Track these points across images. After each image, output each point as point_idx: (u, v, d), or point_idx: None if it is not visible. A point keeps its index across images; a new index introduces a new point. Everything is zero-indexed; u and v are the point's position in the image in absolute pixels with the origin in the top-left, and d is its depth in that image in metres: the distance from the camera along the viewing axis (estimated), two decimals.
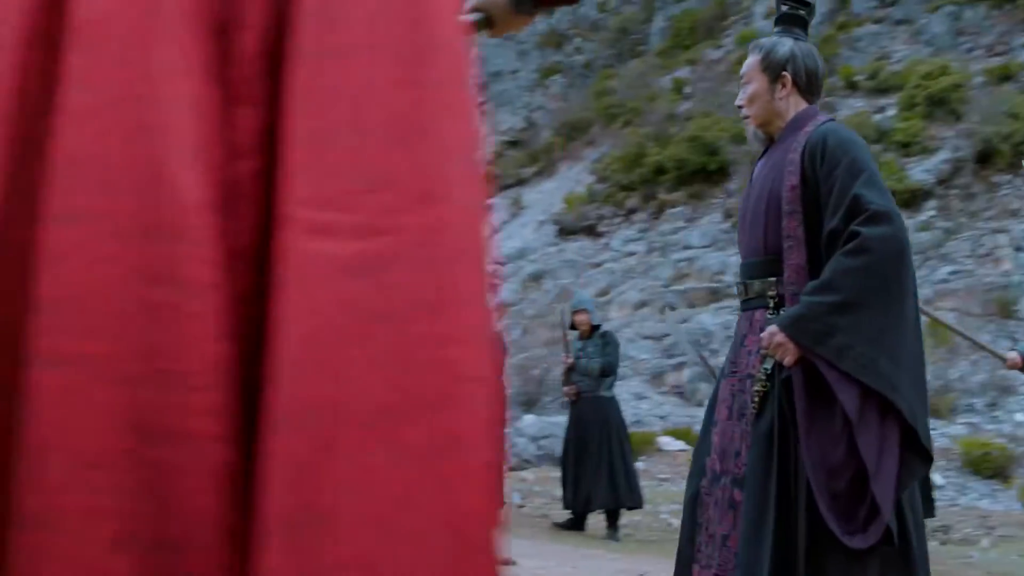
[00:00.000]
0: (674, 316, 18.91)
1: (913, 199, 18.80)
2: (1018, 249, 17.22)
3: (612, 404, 8.61)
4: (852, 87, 22.55)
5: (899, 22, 23.65)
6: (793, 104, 3.17)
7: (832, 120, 3.16)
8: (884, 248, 2.77)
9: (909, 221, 18.82)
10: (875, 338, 2.76)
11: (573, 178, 27.16)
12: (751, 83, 3.19)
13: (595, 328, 8.69)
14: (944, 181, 18.75)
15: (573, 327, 8.78)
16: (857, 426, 2.73)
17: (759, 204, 3.10)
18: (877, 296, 2.79)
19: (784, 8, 3.23)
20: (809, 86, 3.16)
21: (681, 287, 19.70)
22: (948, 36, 22.49)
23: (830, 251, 2.86)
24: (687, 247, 20.70)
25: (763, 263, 3.06)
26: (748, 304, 3.12)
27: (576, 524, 8.54)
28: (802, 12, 3.24)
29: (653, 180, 22.67)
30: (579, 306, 8.78)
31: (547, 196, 26.02)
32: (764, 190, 3.10)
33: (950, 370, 15.68)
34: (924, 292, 17.82)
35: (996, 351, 6.23)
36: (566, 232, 23.56)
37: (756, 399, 2.95)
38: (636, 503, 8.45)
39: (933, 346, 14.70)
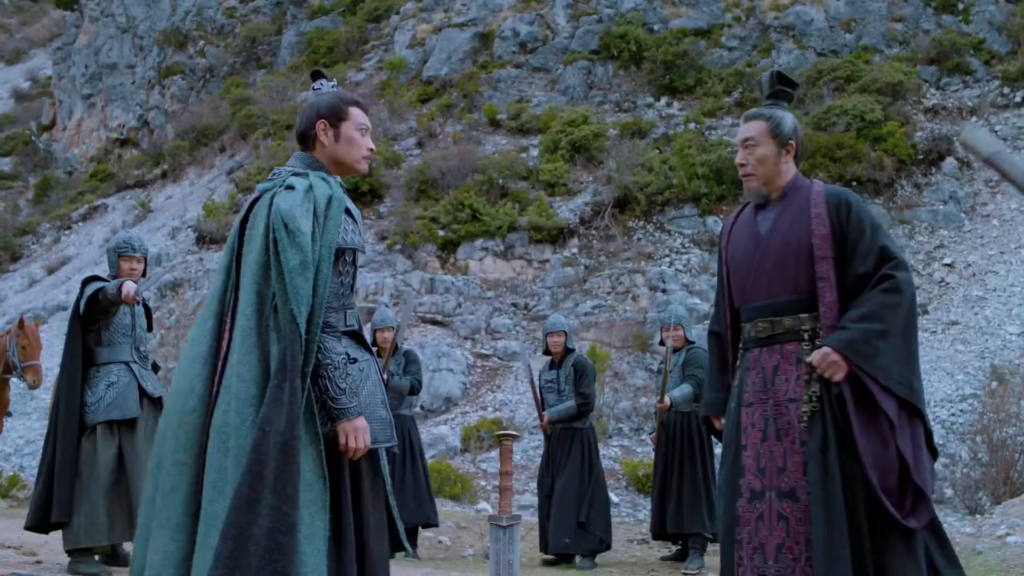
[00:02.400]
0: None
1: (560, 235, 20.17)
2: (652, 289, 19.04)
3: (413, 423, 8.58)
4: (495, 125, 23.78)
5: (537, 69, 25.29)
6: (790, 168, 3.73)
7: (825, 183, 3.81)
8: (910, 290, 3.46)
9: (555, 256, 20.26)
10: (907, 361, 3.41)
11: (205, 185, 26.14)
12: (759, 147, 3.70)
13: (397, 347, 8.64)
14: (586, 222, 20.29)
15: (374, 343, 8.66)
16: (897, 430, 3.33)
17: (784, 250, 3.61)
18: (906, 327, 3.44)
19: (778, 87, 3.80)
20: (800, 154, 3.73)
21: None
22: (582, 88, 24.41)
23: (859, 289, 3.48)
24: None
25: (792, 302, 3.58)
26: (775, 339, 3.60)
27: None
28: (791, 91, 3.84)
29: None
30: (383, 324, 8.59)
31: (178, 202, 24.85)
32: (788, 239, 3.62)
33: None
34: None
35: None
36: (207, 241, 22.65)
37: (806, 419, 3.45)
38: (433, 521, 8.49)
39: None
